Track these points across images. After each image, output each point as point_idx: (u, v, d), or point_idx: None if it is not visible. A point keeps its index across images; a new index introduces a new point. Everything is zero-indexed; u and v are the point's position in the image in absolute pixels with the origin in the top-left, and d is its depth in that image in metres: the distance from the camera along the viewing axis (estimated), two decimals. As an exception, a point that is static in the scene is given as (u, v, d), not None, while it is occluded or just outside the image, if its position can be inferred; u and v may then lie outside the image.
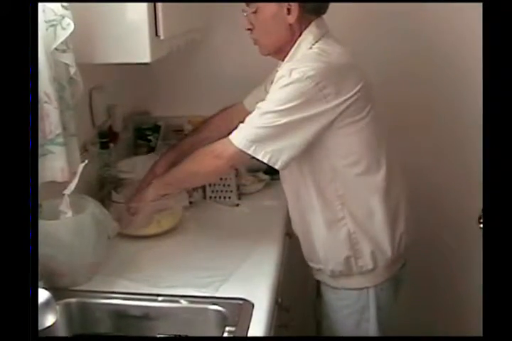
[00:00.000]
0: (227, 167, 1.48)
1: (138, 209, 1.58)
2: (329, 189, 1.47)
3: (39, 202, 1.35)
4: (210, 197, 1.88)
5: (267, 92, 1.67)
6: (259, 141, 1.36)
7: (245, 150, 1.37)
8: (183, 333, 1.27)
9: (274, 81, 1.41)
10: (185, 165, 1.52)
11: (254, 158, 1.38)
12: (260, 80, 1.78)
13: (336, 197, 1.48)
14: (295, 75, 1.34)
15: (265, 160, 1.38)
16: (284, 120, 1.35)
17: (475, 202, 1.63)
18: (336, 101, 1.36)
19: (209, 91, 2.27)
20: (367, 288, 1.54)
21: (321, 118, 1.36)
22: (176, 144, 1.81)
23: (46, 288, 0.94)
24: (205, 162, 1.47)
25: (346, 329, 1.59)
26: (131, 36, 1.39)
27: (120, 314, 1.31)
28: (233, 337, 1.17)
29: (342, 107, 1.37)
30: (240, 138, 1.38)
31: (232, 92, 2.07)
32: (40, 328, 0.92)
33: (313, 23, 1.45)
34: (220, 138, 1.45)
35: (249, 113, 1.43)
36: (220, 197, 1.88)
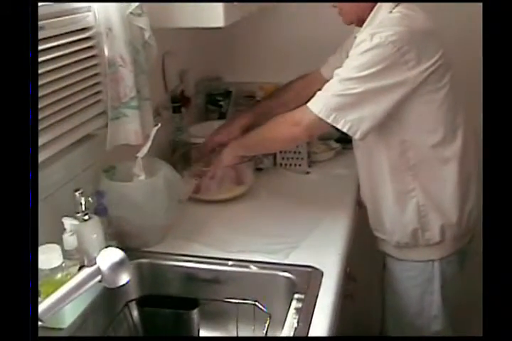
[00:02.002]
0: (306, 135, 1.45)
1: (216, 173, 1.60)
2: (401, 159, 1.43)
3: (113, 165, 1.38)
4: (281, 164, 1.87)
5: (343, 60, 1.63)
6: (339, 109, 1.32)
7: (325, 118, 1.34)
8: (251, 298, 1.27)
9: (354, 46, 1.36)
10: (264, 130, 1.51)
11: (333, 126, 1.35)
12: (333, 47, 1.73)
13: (407, 167, 1.43)
14: (376, 40, 1.28)
15: (345, 129, 1.34)
16: (364, 87, 1.30)
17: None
18: (418, 69, 1.30)
19: (281, 58, 2.24)
20: (432, 260, 1.51)
21: (402, 87, 1.31)
22: (252, 108, 1.80)
23: (120, 248, 0.95)
24: (283, 129, 1.45)
25: (410, 300, 1.56)
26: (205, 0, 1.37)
27: (190, 277, 1.32)
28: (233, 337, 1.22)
29: (423, 75, 1.31)
30: (319, 106, 1.35)
31: (304, 59, 2.04)
32: (113, 286, 0.94)
33: None
34: (298, 105, 1.42)
35: (327, 81, 1.39)
36: (290, 165, 1.86)
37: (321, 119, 1.34)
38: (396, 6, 1.37)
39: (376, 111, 1.32)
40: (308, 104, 1.38)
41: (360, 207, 1.66)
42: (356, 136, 1.35)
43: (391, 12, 1.37)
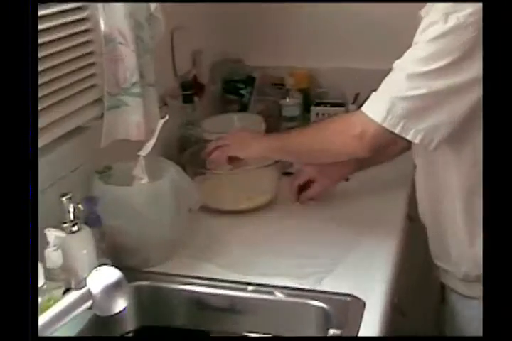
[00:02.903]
0: (368, 151, 1.38)
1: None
2: (474, 171, 1.39)
3: (109, 165, 1.38)
4: (314, 169, 1.85)
5: None
6: (408, 115, 1.27)
7: (391, 128, 1.29)
8: (275, 332, 1.27)
9: (420, 30, 1.30)
10: (313, 139, 1.49)
11: (401, 137, 1.30)
12: (372, 25, 1.71)
13: (480, 182, 1.40)
14: (453, 21, 1.23)
15: (417, 141, 1.29)
16: (438, 85, 1.25)
17: None
18: None
19: (315, 38, 2.24)
20: None
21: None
22: None
23: (116, 267, 0.94)
24: (340, 140, 1.41)
25: None
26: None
27: (200, 304, 1.32)
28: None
29: None
30: (382, 112, 1.29)
31: (341, 40, 2.02)
32: (107, 314, 0.93)
33: None
34: None
35: None
36: (325, 169, 1.85)
37: (385, 129, 1.30)
38: None
39: (454, 114, 1.28)
40: (365, 110, 1.33)
41: (411, 221, 1.64)
42: (430, 148, 1.31)
43: None
